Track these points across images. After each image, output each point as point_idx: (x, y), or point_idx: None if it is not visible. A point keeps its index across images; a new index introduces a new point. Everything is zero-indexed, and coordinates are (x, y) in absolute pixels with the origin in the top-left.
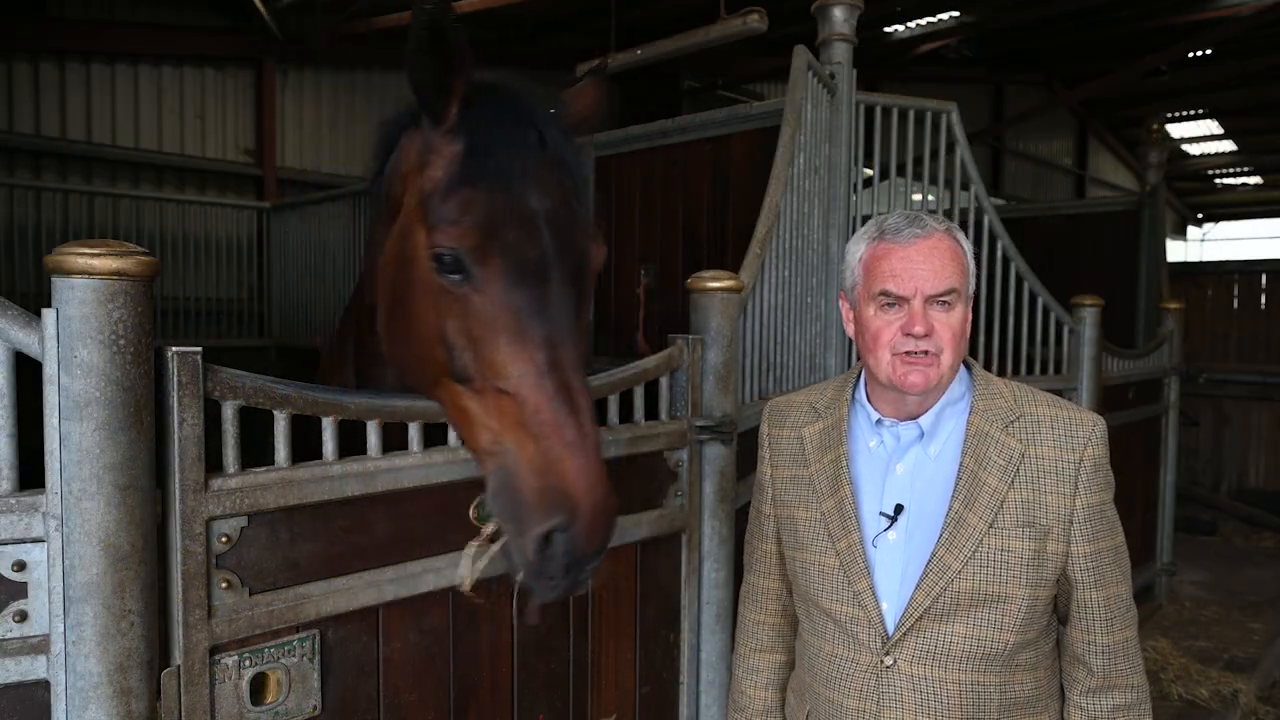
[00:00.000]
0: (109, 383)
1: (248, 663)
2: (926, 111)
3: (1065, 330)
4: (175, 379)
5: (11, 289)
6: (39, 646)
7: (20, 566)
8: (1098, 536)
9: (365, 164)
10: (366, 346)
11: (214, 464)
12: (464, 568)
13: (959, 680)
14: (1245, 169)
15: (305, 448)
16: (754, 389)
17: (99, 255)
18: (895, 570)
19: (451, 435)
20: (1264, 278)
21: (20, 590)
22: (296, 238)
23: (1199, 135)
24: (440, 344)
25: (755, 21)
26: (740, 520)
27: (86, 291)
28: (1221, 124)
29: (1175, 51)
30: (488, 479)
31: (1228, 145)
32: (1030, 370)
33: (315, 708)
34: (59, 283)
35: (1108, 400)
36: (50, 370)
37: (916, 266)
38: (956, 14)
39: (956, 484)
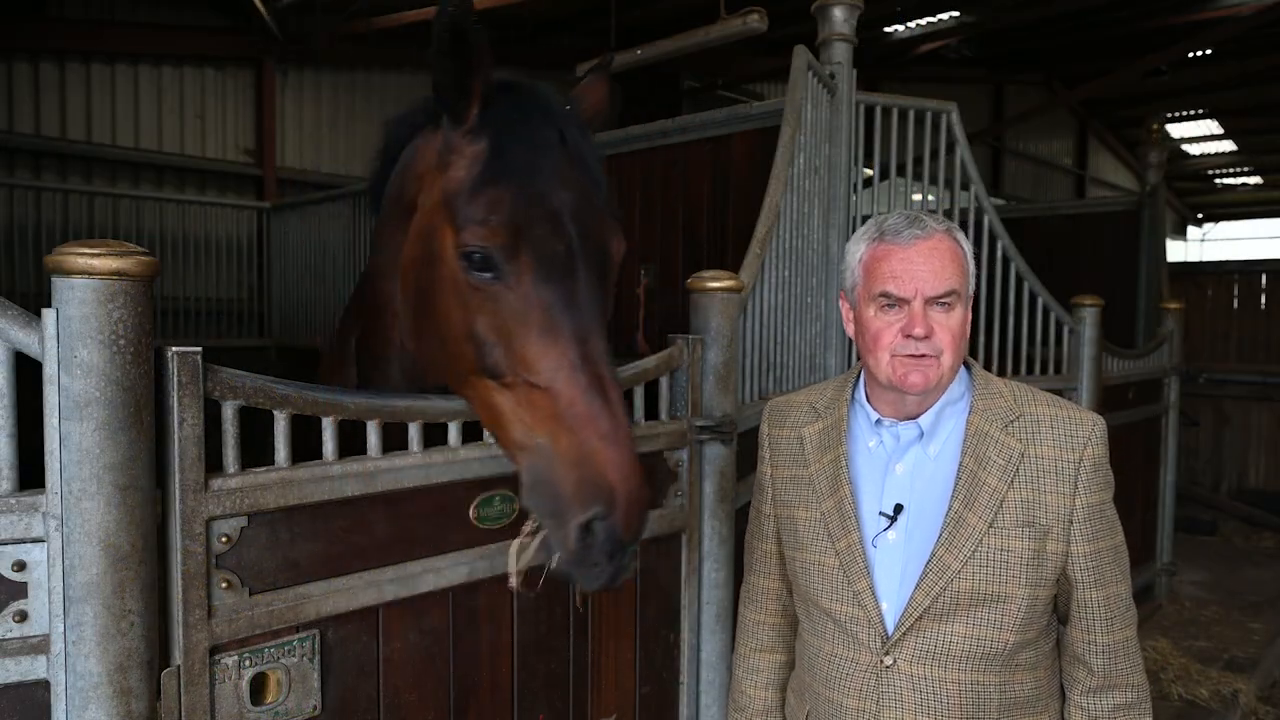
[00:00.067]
0: (109, 383)
1: (248, 663)
2: (926, 111)
3: (1065, 330)
4: (175, 379)
5: (11, 289)
6: (39, 646)
7: (20, 566)
8: (1097, 536)
9: (366, 164)
10: (370, 347)
11: (214, 464)
12: (511, 564)
13: (959, 680)
14: (1245, 169)
15: (305, 448)
16: (754, 389)
17: (99, 255)
18: (895, 570)
19: (452, 435)
20: (1264, 278)
21: (20, 590)
22: (296, 238)
23: (1199, 135)
24: (470, 341)
25: (755, 21)
26: (740, 520)
27: (86, 291)
28: (1221, 124)
29: (1175, 51)
30: (521, 473)
31: (1228, 145)
32: (1030, 370)
33: (315, 708)
34: (59, 283)
35: (1108, 400)
36: (50, 370)
37: (916, 268)
38: (956, 14)
39: (956, 484)
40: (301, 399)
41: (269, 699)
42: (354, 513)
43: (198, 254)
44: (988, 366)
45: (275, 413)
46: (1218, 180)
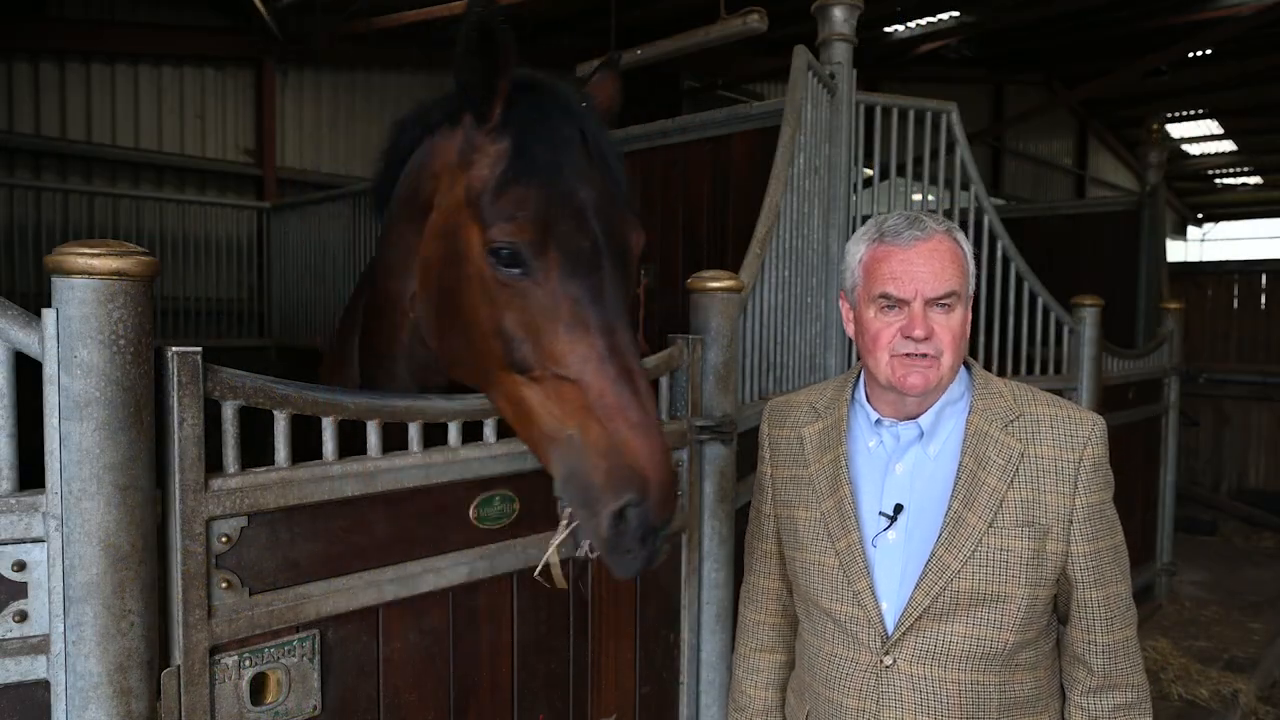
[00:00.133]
0: (109, 383)
1: (248, 663)
2: (926, 111)
3: (1065, 330)
4: (175, 379)
5: (11, 289)
6: (39, 646)
7: (20, 566)
8: (1097, 536)
9: (366, 164)
10: (375, 346)
11: (214, 464)
12: (553, 559)
13: (958, 680)
14: (1245, 169)
15: (305, 448)
16: (754, 389)
17: (99, 255)
18: (895, 570)
19: (452, 435)
20: (1264, 278)
21: (20, 590)
22: (296, 238)
23: (1199, 135)
24: (497, 336)
25: (755, 21)
26: (740, 520)
27: (86, 291)
28: (1221, 124)
29: (1175, 51)
30: (552, 467)
31: (1228, 145)
32: (1030, 370)
33: (315, 708)
34: (59, 283)
35: (1108, 400)
36: (50, 370)
37: (916, 269)
38: (956, 14)
39: (956, 483)
40: (301, 399)
41: (269, 699)
42: (354, 513)
43: (198, 254)
44: (988, 366)
45: (275, 413)
46: (1218, 180)
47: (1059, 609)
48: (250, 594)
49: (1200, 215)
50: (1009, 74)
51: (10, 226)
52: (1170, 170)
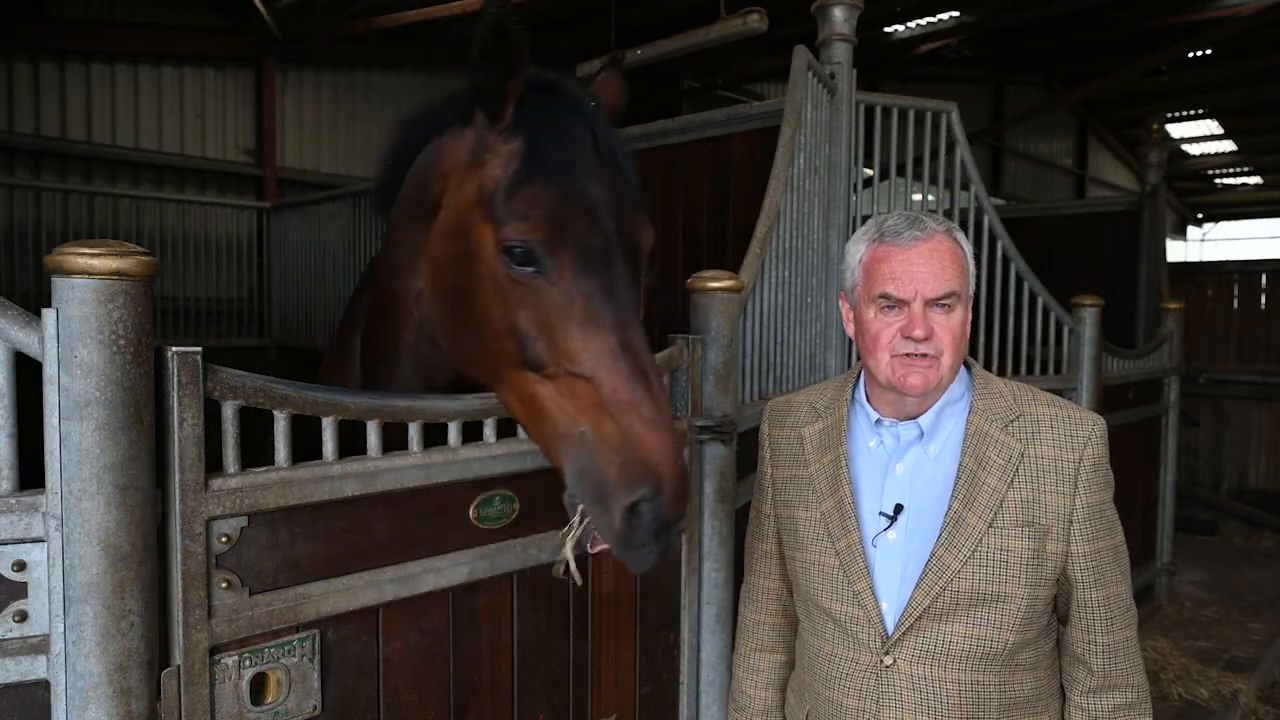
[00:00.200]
0: (109, 383)
1: (248, 663)
2: (926, 111)
3: (1065, 330)
4: (175, 379)
5: (11, 289)
6: (39, 646)
7: (20, 566)
8: (1097, 536)
9: (366, 164)
10: (378, 345)
11: (214, 464)
12: (568, 553)
13: (959, 680)
14: (1245, 169)
15: (305, 448)
16: (754, 389)
17: (99, 255)
18: (895, 570)
19: (452, 435)
20: (1264, 278)
21: (20, 590)
22: (296, 238)
23: (1199, 135)
24: (511, 335)
25: (755, 21)
26: (740, 520)
27: (86, 291)
28: (1221, 124)
29: (1175, 51)
30: (565, 465)
31: (1228, 145)
32: (1030, 370)
33: (315, 708)
34: (59, 283)
35: (1108, 400)
36: (50, 370)
37: (916, 269)
38: (956, 14)
39: (956, 483)
40: (301, 399)
41: (269, 699)
42: (354, 513)
43: (198, 254)
44: (988, 366)
45: (275, 413)
46: (1218, 180)
47: (1059, 609)
48: (250, 594)
49: (1200, 215)
50: (1009, 74)
51: (10, 226)
52: (1170, 170)
